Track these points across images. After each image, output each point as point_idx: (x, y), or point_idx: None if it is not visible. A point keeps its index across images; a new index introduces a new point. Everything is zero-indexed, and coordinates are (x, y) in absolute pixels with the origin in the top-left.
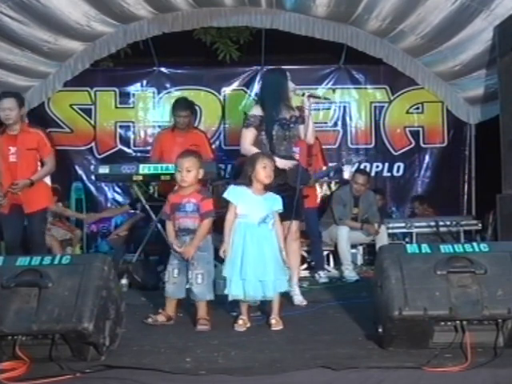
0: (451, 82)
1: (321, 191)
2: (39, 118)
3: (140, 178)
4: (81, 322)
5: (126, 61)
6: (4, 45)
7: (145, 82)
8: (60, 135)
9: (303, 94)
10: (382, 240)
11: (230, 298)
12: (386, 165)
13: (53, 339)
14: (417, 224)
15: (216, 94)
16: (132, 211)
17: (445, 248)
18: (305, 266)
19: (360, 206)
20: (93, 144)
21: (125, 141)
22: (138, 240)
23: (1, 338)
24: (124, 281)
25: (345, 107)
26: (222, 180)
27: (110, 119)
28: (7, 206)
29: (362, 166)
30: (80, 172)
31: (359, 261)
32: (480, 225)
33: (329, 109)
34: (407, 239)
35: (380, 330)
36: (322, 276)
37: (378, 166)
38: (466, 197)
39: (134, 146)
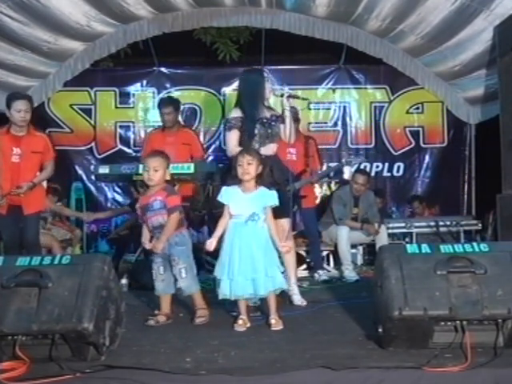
0: (451, 82)
1: (321, 191)
2: (39, 118)
3: (140, 177)
4: (81, 322)
5: (126, 61)
6: (4, 45)
7: (145, 82)
8: (60, 135)
9: (282, 95)
10: (382, 240)
11: (220, 297)
12: (386, 165)
13: (53, 339)
14: (417, 224)
15: (216, 94)
16: (132, 211)
17: (445, 248)
18: (304, 266)
19: (360, 206)
20: (93, 144)
21: (125, 141)
22: (138, 240)
23: (1, 337)
24: (124, 281)
25: (345, 107)
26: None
27: (110, 119)
28: (5, 206)
29: (361, 166)
30: (80, 172)
31: (359, 261)
32: (480, 225)
33: (329, 109)
34: (407, 239)
35: (380, 330)
36: (321, 274)
37: (378, 166)
38: (466, 197)
39: (134, 145)
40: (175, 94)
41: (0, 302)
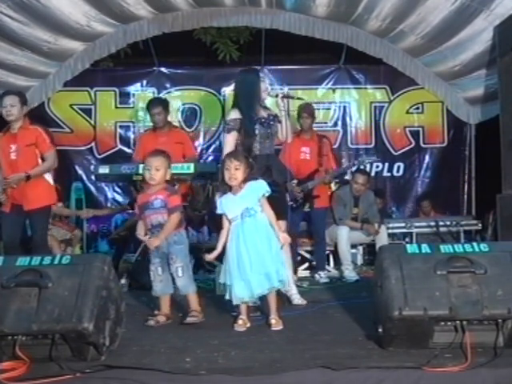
0: (451, 82)
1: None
2: (39, 118)
3: (140, 177)
4: (81, 321)
5: (126, 61)
6: (4, 45)
7: (145, 82)
8: (60, 135)
9: (277, 95)
10: (382, 240)
11: (235, 303)
12: (386, 165)
13: (53, 339)
14: (417, 224)
15: (216, 94)
16: (132, 211)
17: (445, 248)
18: (305, 265)
19: (360, 205)
20: (93, 144)
21: (125, 141)
22: (138, 240)
23: (1, 337)
24: (124, 281)
25: (345, 107)
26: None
27: (110, 119)
28: (8, 204)
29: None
30: (80, 172)
31: (359, 261)
32: (480, 225)
33: (329, 109)
34: (407, 239)
35: (380, 330)
36: (322, 276)
37: (378, 166)
38: (466, 197)
39: (134, 146)
40: (175, 94)
41: (0, 302)
